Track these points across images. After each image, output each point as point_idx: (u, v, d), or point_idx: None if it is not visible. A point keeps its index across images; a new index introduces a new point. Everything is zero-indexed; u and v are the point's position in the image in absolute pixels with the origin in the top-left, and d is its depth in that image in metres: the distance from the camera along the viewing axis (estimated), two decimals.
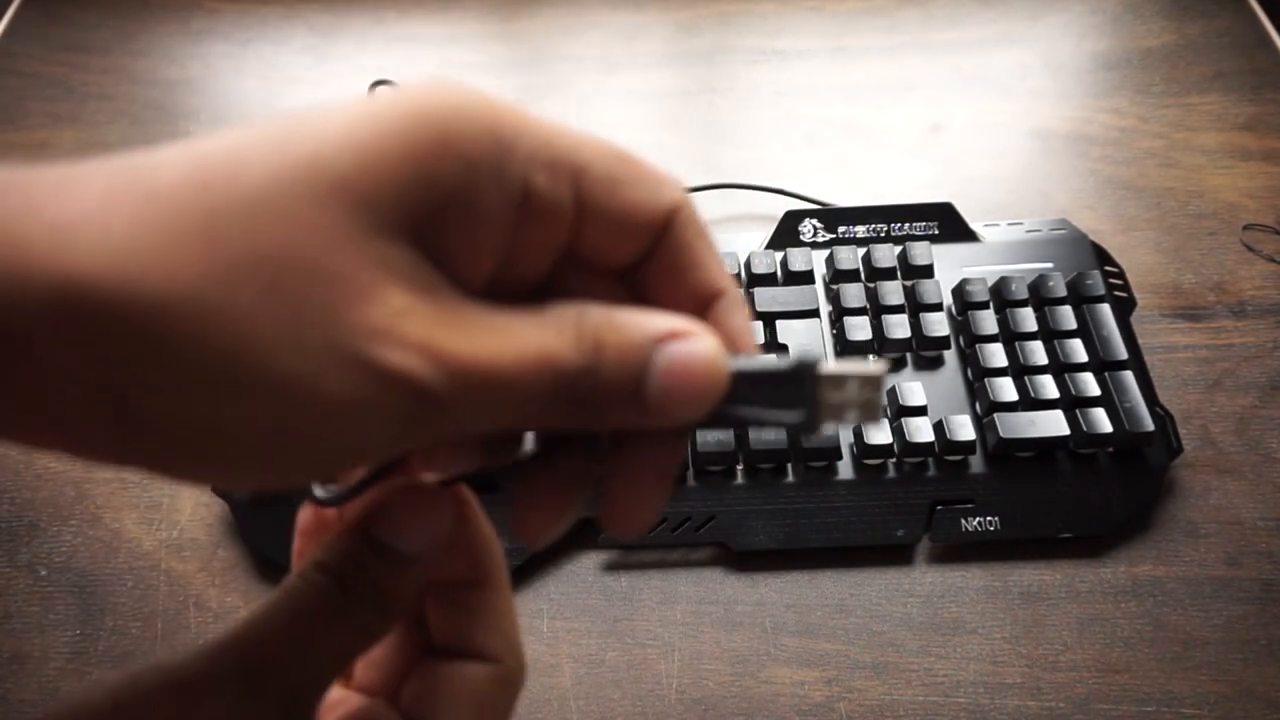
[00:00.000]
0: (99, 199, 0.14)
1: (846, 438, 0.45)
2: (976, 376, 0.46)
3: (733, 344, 0.18)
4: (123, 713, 0.16)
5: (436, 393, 0.15)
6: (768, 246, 0.52)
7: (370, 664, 0.22)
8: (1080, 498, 0.43)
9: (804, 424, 0.18)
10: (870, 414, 0.18)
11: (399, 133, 0.15)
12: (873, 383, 0.18)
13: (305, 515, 0.23)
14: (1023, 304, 0.47)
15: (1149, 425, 0.43)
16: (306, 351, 0.14)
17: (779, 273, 0.49)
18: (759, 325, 0.47)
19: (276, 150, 0.14)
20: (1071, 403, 0.44)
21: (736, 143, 0.60)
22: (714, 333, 0.17)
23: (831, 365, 0.18)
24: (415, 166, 0.15)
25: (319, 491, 0.21)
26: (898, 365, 0.47)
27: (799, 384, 0.18)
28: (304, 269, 0.14)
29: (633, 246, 0.19)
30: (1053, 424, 0.43)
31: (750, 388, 0.18)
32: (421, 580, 0.19)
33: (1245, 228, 0.54)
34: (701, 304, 0.19)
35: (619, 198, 0.18)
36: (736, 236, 0.53)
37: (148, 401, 0.14)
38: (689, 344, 0.17)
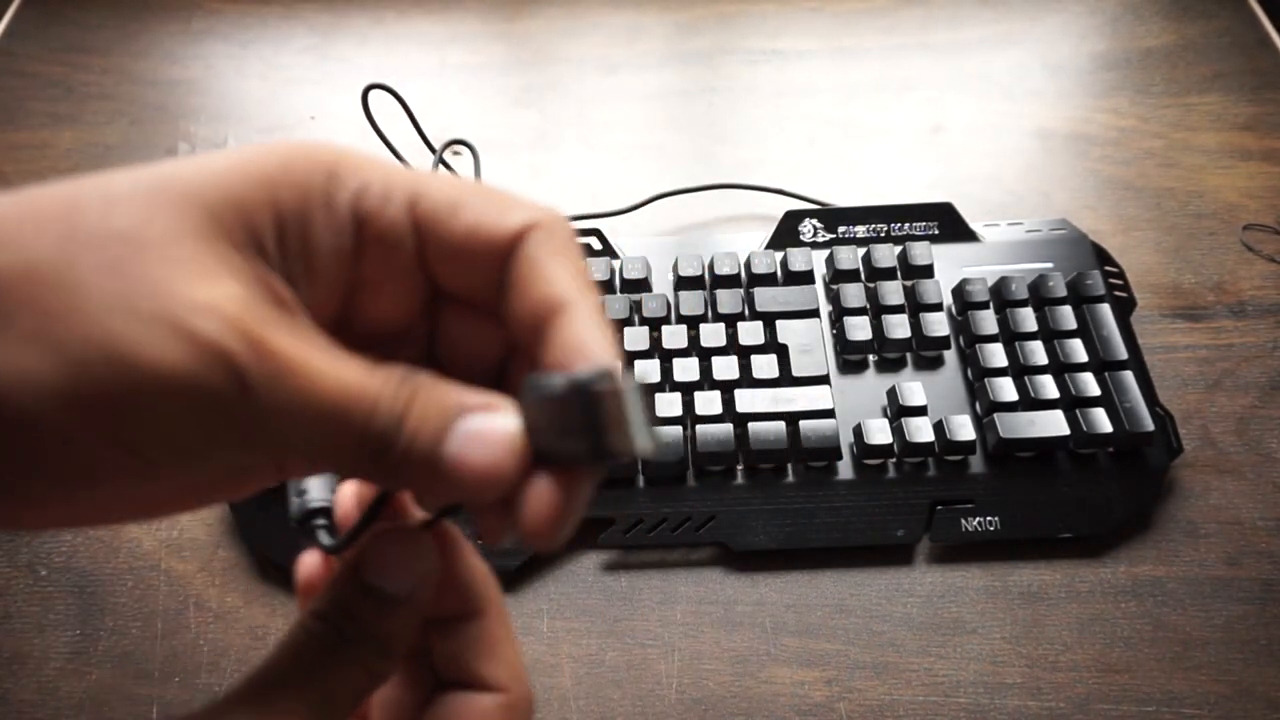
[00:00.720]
0: None
1: (846, 438, 0.45)
2: (976, 376, 0.46)
3: (572, 360, 0.17)
4: None
5: (248, 375, 0.15)
6: (768, 246, 0.52)
7: (381, 703, 0.22)
8: (1080, 498, 0.43)
9: (591, 457, 0.17)
10: (645, 437, 0.16)
11: (248, 165, 0.17)
12: (621, 399, 0.16)
13: (304, 568, 0.23)
14: (1023, 304, 0.47)
15: (1149, 425, 0.43)
16: (135, 317, 0.15)
17: (779, 273, 0.49)
18: (759, 325, 0.47)
19: (139, 173, 0.16)
20: (1071, 403, 0.44)
21: (736, 143, 0.60)
22: (516, 414, 0.17)
23: (612, 385, 0.16)
24: (256, 190, 0.16)
25: (325, 540, 0.22)
26: (898, 365, 0.47)
27: (574, 407, 0.16)
28: (146, 251, 0.15)
29: (487, 274, 0.18)
30: (1053, 424, 0.43)
31: (546, 415, 0.17)
32: (416, 618, 0.20)
33: (1245, 228, 0.54)
34: (548, 318, 0.18)
35: (459, 220, 0.18)
36: (736, 236, 0.53)
37: None
38: (489, 415, 0.17)
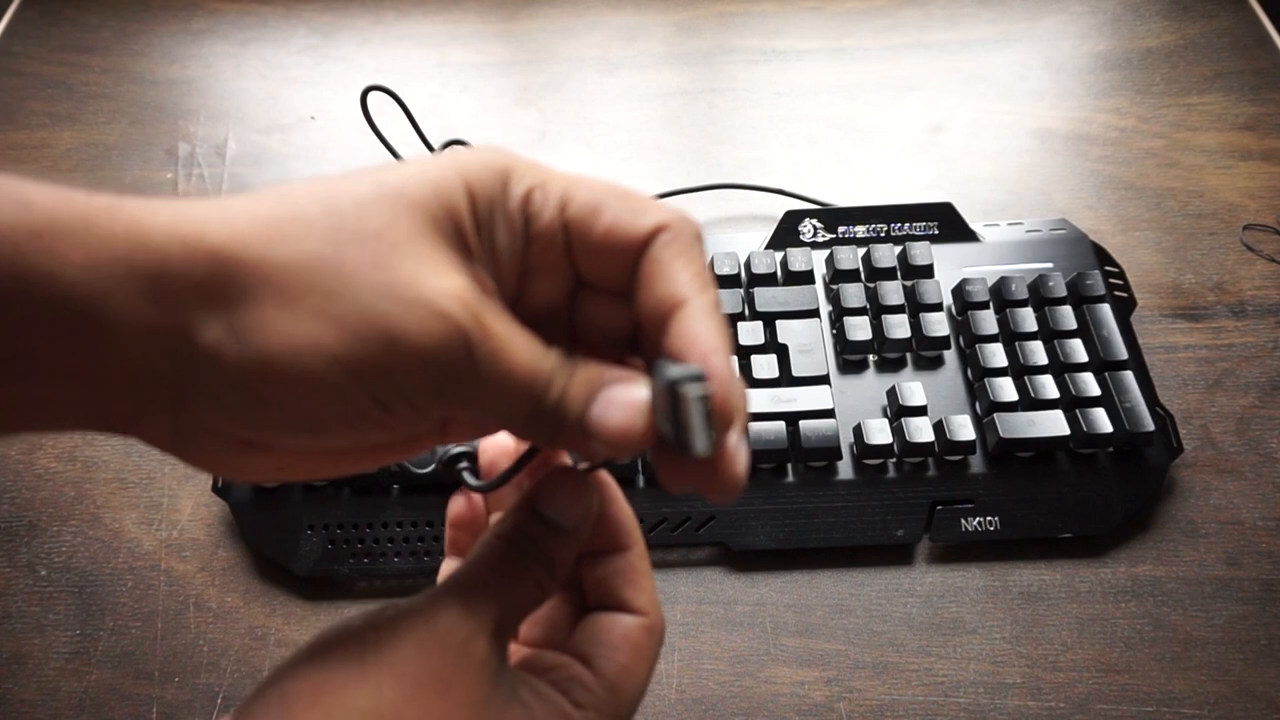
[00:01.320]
0: (247, 200, 0.19)
1: (846, 438, 0.45)
2: (976, 376, 0.46)
3: (686, 351, 0.20)
4: (379, 632, 0.21)
5: (476, 349, 0.19)
6: (768, 246, 0.52)
7: (538, 620, 0.27)
8: (1080, 498, 0.43)
9: (674, 443, 0.19)
10: (691, 438, 0.19)
11: (450, 174, 0.21)
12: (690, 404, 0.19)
13: (456, 507, 0.28)
14: (1023, 304, 0.47)
15: (1149, 425, 0.43)
16: (398, 301, 0.19)
17: (779, 273, 0.49)
18: (759, 325, 0.47)
19: (374, 175, 0.20)
20: (1071, 403, 0.44)
21: (736, 143, 0.60)
22: (648, 385, 0.21)
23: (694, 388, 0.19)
24: (460, 198, 0.20)
25: (471, 481, 0.27)
26: (898, 365, 0.47)
27: (674, 401, 0.19)
28: (397, 248, 0.19)
29: (621, 267, 0.22)
30: (1053, 424, 0.43)
31: (659, 401, 0.20)
32: (578, 547, 0.24)
33: (1245, 228, 0.54)
34: (670, 312, 0.21)
35: (599, 222, 0.21)
36: (736, 236, 0.53)
37: (265, 358, 0.19)
38: (625, 385, 0.21)
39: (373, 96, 0.54)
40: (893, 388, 0.45)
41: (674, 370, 0.19)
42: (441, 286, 0.19)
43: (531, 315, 0.22)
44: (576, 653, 0.24)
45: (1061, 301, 0.47)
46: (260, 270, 0.19)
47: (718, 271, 0.49)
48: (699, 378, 0.19)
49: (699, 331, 0.20)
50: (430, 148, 0.57)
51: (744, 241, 0.52)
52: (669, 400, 0.19)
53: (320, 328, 0.19)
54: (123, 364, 0.19)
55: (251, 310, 0.19)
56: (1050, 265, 0.50)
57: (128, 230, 0.18)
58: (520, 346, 0.20)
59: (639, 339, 0.23)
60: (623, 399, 0.21)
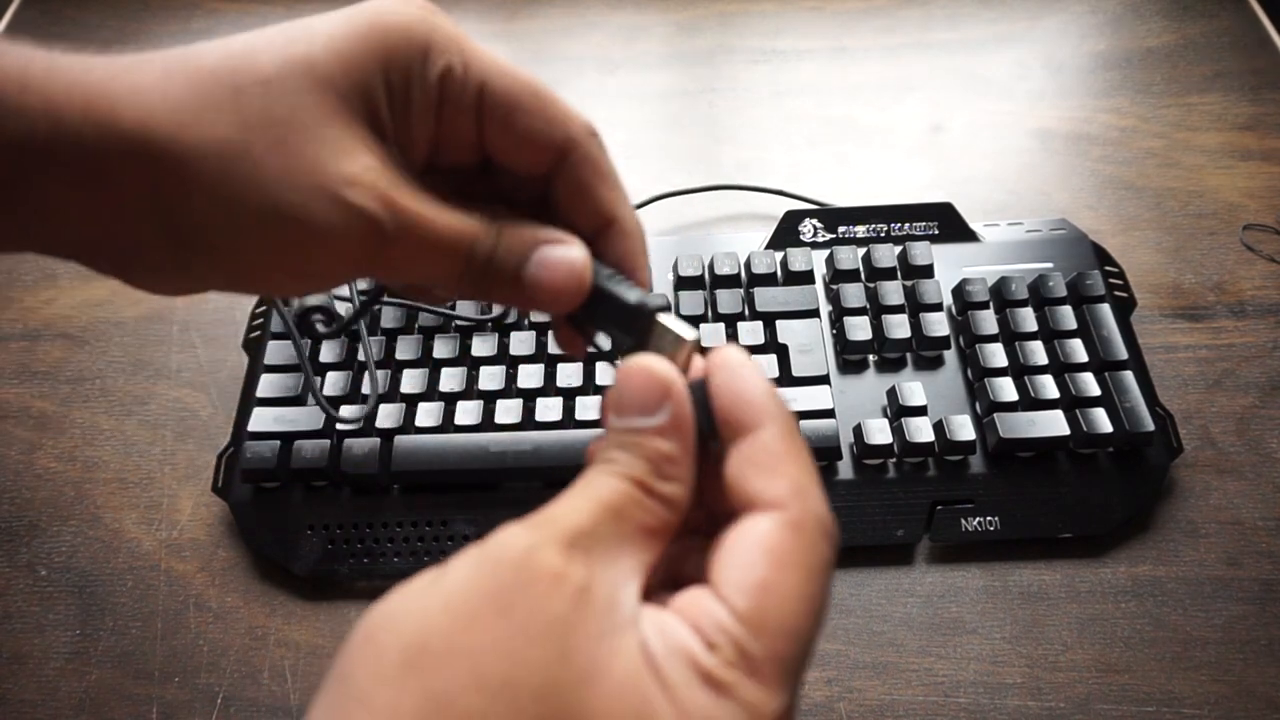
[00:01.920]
0: (160, 74, 0.20)
1: (846, 438, 0.45)
2: (976, 376, 0.46)
3: (618, 265, 0.23)
4: (446, 564, 0.19)
5: (386, 230, 0.21)
6: (768, 246, 0.52)
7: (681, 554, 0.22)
8: (1080, 498, 0.43)
9: (630, 351, 0.22)
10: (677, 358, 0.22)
11: (365, 43, 0.21)
12: (686, 345, 0.22)
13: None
14: (1023, 304, 0.47)
15: (1149, 425, 0.43)
16: (300, 189, 0.20)
17: (779, 273, 0.49)
18: (759, 325, 0.47)
19: (283, 50, 0.20)
20: (1071, 403, 0.44)
21: (736, 143, 0.60)
22: (584, 248, 0.23)
23: (667, 318, 0.22)
24: (375, 72, 0.21)
25: (320, 329, 0.32)
26: (898, 365, 0.47)
27: (637, 319, 0.22)
28: (302, 132, 0.20)
29: (530, 162, 0.23)
30: (1053, 424, 0.43)
31: (607, 306, 0.23)
32: (679, 437, 0.20)
33: (1245, 228, 0.54)
34: (598, 228, 0.24)
35: (515, 121, 0.22)
36: (736, 236, 0.53)
37: (191, 224, 0.20)
38: (561, 248, 0.23)
39: None
40: (893, 388, 0.45)
41: (649, 298, 0.23)
42: (347, 172, 0.20)
43: (443, 182, 0.23)
44: (709, 579, 0.19)
45: (1061, 301, 0.47)
46: (172, 154, 0.20)
47: (718, 271, 0.49)
48: (665, 304, 0.23)
49: (627, 251, 0.24)
50: None
51: (744, 241, 0.52)
52: (637, 317, 0.22)
53: (242, 220, 0.20)
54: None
55: (179, 202, 0.20)
56: (1050, 265, 0.50)
57: (44, 106, 0.19)
58: (435, 215, 0.22)
59: (552, 211, 0.24)
60: (557, 258, 0.22)
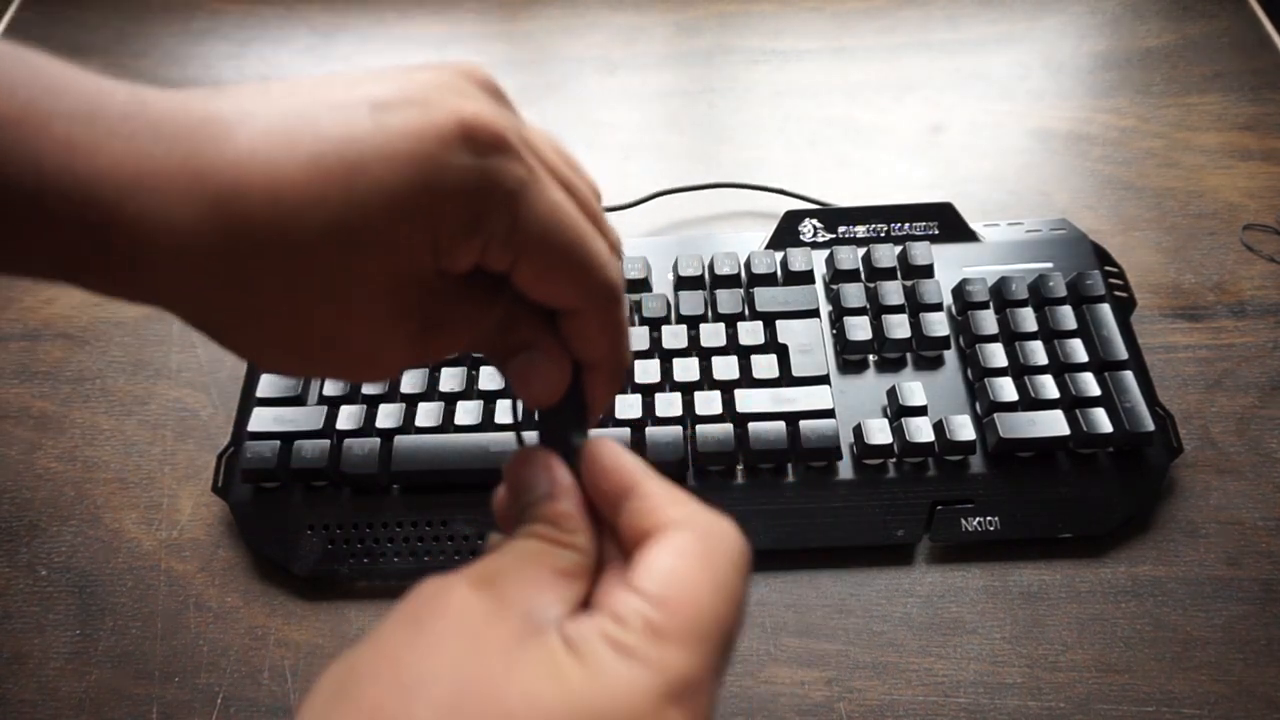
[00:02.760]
0: (266, 141, 0.19)
1: (846, 438, 0.45)
2: (976, 376, 0.46)
3: (591, 400, 0.25)
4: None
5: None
6: (768, 246, 0.52)
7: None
8: (1080, 498, 0.43)
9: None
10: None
11: (404, 203, 0.20)
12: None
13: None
14: (1023, 304, 0.47)
15: (1149, 425, 0.43)
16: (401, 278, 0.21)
17: (779, 273, 0.49)
18: (759, 325, 0.47)
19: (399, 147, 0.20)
20: (1071, 403, 0.44)
21: (737, 143, 0.60)
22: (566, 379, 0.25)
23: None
24: (419, 238, 0.21)
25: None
26: (898, 365, 0.47)
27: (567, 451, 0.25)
28: (405, 226, 0.20)
29: (552, 304, 0.24)
30: (1053, 424, 0.43)
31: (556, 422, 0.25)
32: (563, 502, 0.23)
33: (1245, 228, 0.54)
34: (593, 363, 0.25)
35: (548, 278, 0.23)
36: (736, 236, 0.53)
37: (277, 301, 0.20)
38: (554, 368, 0.25)
39: None
40: (893, 388, 0.45)
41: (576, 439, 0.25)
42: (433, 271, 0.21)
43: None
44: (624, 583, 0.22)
45: (1061, 301, 0.47)
46: (286, 236, 0.20)
47: (718, 271, 0.49)
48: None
49: (607, 394, 0.26)
50: None
51: (744, 241, 0.52)
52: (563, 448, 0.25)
53: (341, 294, 0.21)
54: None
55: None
56: (1050, 265, 0.50)
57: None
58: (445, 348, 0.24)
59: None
60: (545, 377, 0.24)
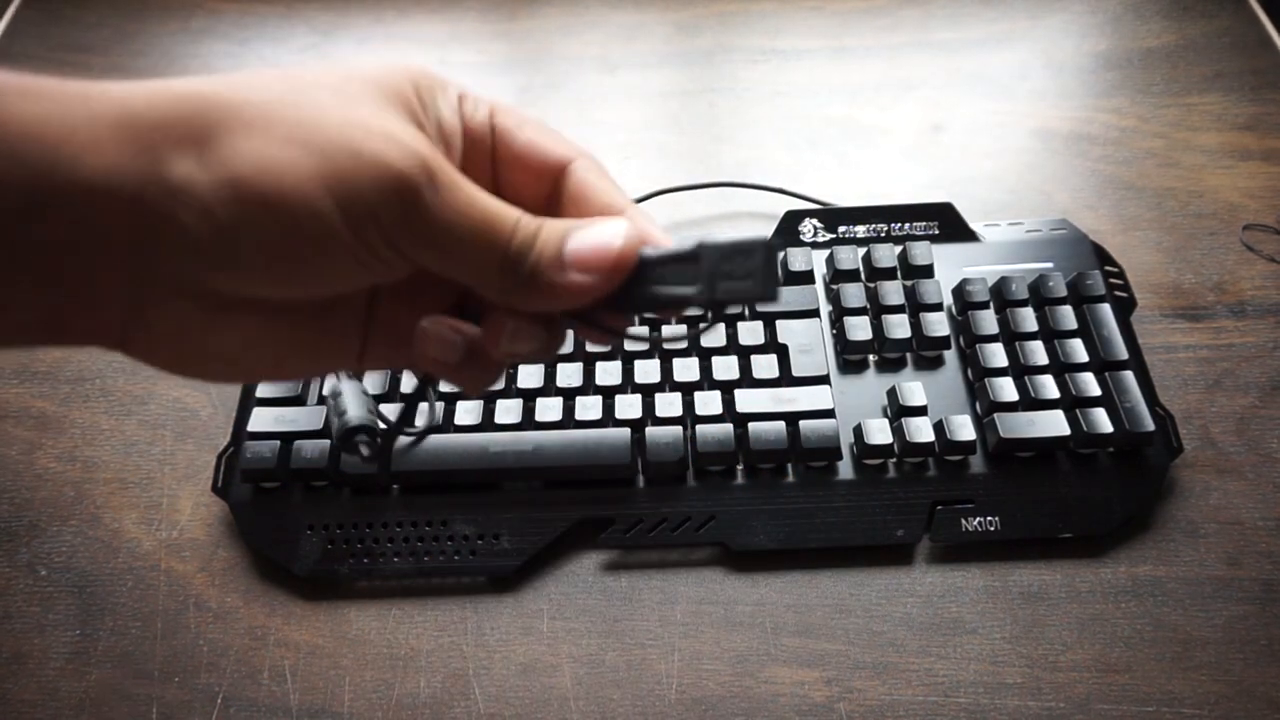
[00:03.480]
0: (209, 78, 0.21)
1: (847, 438, 0.45)
2: (977, 376, 0.46)
3: (642, 238, 0.24)
4: None
5: (436, 174, 0.21)
6: None
7: None
8: (1080, 498, 0.43)
9: (704, 298, 0.22)
10: (759, 284, 0.22)
11: (394, 69, 0.23)
12: (756, 251, 0.22)
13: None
14: (1023, 304, 0.47)
15: (1149, 425, 0.43)
16: (364, 130, 0.21)
17: (779, 272, 0.49)
18: (759, 325, 0.47)
19: (324, 66, 0.22)
20: (1072, 403, 0.44)
21: (736, 142, 0.60)
22: (625, 222, 0.24)
23: (722, 237, 0.22)
24: (408, 85, 0.23)
25: (364, 452, 0.30)
26: (898, 365, 0.47)
27: (698, 261, 0.22)
28: (356, 98, 0.21)
29: (536, 181, 0.25)
30: (1053, 424, 0.43)
31: (662, 269, 0.23)
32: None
33: (1245, 228, 0.54)
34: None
35: (522, 135, 0.25)
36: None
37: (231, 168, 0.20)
38: (602, 223, 0.23)
39: None
40: (893, 388, 0.45)
41: (708, 238, 0.23)
42: (400, 125, 0.22)
43: None
44: None
45: (1062, 301, 0.47)
46: (227, 107, 0.20)
47: None
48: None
49: (649, 227, 0.25)
50: None
51: None
52: (737, 254, 0.22)
53: (291, 150, 0.20)
54: (77, 232, 0.19)
55: (221, 141, 0.20)
56: (1050, 265, 0.50)
57: (84, 92, 0.19)
58: (479, 192, 0.22)
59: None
60: (598, 230, 0.23)
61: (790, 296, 0.48)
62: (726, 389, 0.45)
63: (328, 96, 0.21)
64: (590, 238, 0.23)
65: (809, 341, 0.46)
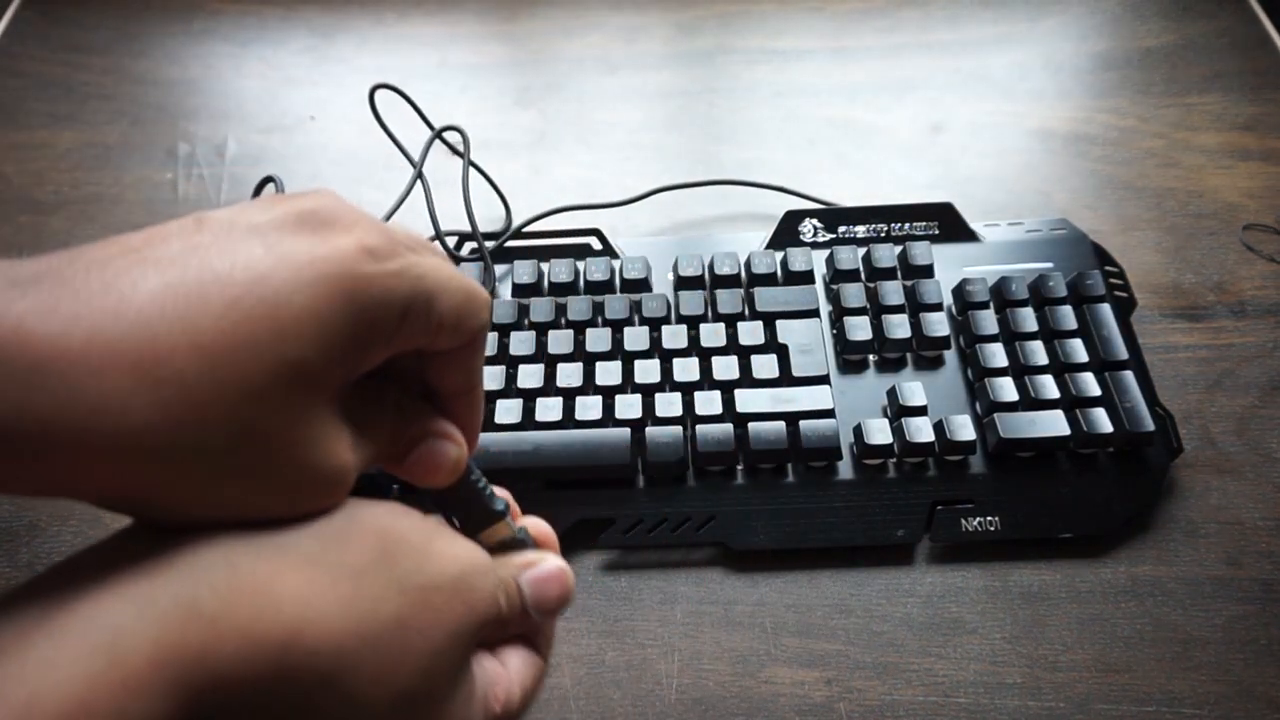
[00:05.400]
0: (130, 381, 0.18)
1: (846, 438, 0.45)
2: (977, 376, 0.46)
3: (464, 427, 0.26)
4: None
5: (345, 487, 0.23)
6: (768, 246, 0.52)
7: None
8: (1080, 498, 0.43)
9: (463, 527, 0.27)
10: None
11: (346, 327, 0.20)
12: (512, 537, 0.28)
13: None
14: (1023, 304, 0.47)
15: (1149, 425, 0.43)
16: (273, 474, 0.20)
17: (779, 272, 0.49)
18: (759, 325, 0.47)
19: (271, 349, 0.19)
20: (1072, 403, 0.44)
21: (737, 143, 0.60)
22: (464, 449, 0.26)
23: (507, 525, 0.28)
24: (353, 354, 0.21)
25: None
26: (898, 365, 0.47)
27: (487, 519, 0.27)
28: (290, 441, 0.20)
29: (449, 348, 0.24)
30: (1053, 424, 0.43)
31: (464, 497, 0.27)
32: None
33: (1245, 228, 0.54)
34: (460, 393, 0.26)
35: (457, 328, 0.23)
36: (737, 236, 0.53)
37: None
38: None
39: (377, 95, 0.54)
40: (893, 388, 0.45)
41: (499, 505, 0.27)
42: (329, 468, 0.21)
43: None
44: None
45: (1062, 301, 0.47)
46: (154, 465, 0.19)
47: (718, 271, 0.49)
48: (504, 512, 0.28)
49: (474, 422, 0.27)
50: (437, 146, 0.57)
51: (744, 241, 0.52)
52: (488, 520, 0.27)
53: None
54: None
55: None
56: (1050, 265, 0.50)
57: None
58: (367, 457, 0.23)
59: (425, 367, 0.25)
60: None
61: (790, 296, 0.48)
62: (726, 389, 0.45)
63: (264, 447, 0.20)
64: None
65: (809, 341, 0.46)
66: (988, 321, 0.47)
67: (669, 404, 0.44)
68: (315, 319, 0.19)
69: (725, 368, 0.45)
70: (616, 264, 0.50)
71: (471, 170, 0.54)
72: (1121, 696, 0.40)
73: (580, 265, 0.50)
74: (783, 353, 0.46)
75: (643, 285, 0.49)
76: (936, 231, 0.51)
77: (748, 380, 0.46)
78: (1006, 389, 0.44)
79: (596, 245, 0.52)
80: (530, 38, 0.67)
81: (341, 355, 0.20)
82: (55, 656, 0.17)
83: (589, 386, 0.46)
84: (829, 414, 0.44)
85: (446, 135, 0.58)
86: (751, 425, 0.44)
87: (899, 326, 0.46)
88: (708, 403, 0.44)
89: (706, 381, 0.46)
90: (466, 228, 0.51)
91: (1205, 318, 0.51)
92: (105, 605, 0.18)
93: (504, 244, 0.52)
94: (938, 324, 0.46)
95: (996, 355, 0.45)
